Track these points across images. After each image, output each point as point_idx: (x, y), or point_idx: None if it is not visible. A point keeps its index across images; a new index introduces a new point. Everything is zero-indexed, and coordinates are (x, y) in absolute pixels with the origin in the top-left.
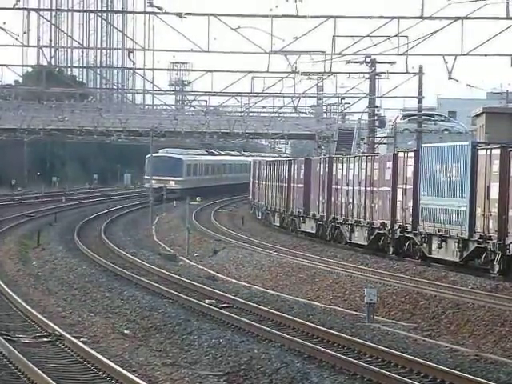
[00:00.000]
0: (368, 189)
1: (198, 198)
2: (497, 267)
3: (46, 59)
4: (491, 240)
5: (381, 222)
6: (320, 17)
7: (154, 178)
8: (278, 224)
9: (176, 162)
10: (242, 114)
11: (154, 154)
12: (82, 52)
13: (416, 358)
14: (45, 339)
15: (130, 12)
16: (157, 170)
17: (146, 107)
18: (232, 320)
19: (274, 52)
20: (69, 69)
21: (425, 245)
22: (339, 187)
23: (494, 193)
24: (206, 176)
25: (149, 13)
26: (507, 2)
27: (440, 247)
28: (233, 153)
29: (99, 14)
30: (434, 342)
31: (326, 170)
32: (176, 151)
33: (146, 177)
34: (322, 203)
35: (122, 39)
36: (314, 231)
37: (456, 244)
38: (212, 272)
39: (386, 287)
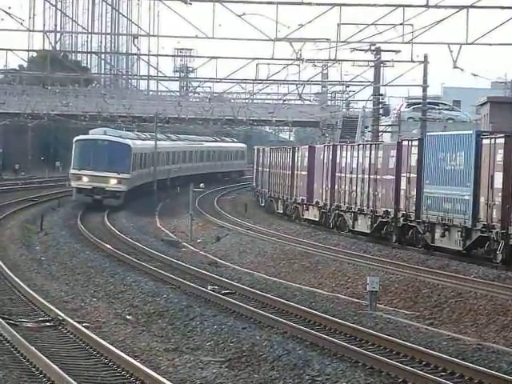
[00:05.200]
0: (372, 177)
1: (201, 185)
2: (500, 256)
3: (50, 44)
4: (494, 229)
5: (384, 210)
6: (325, 4)
7: (83, 173)
8: (281, 211)
9: (120, 150)
10: (247, 100)
11: (84, 137)
12: (87, 37)
13: (418, 347)
14: (47, 324)
15: None
16: (89, 160)
17: (151, 93)
18: (234, 306)
19: (279, 39)
20: (73, 54)
21: (428, 233)
22: (343, 175)
23: (498, 182)
24: (164, 167)
25: None
26: None
27: (443, 236)
28: (159, 136)
29: None
30: (436, 330)
31: (330, 157)
32: (119, 133)
33: (72, 171)
34: (326, 191)
35: (127, 25)
36: (317, 219)
37: (459, 233)
38: (215, 258)
39: (389, 275)
